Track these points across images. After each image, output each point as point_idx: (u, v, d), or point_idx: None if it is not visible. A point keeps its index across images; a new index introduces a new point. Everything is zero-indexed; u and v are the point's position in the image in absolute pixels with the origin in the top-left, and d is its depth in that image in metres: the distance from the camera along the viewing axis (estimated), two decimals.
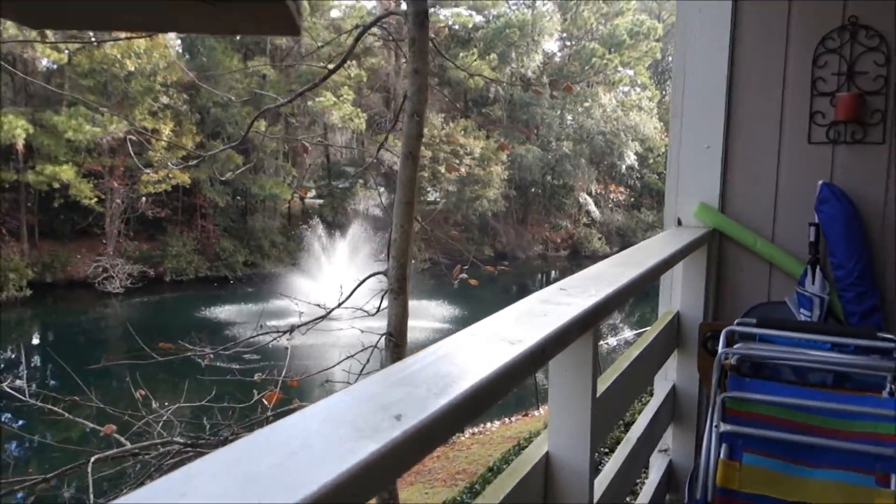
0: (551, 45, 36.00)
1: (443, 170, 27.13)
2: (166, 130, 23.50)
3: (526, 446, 6.22)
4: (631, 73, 37.10)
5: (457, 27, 32.24)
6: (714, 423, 2.02)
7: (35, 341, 20.18)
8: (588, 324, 1.19)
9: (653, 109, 35.61)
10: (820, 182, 2.42)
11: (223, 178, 21.62)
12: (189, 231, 26.08)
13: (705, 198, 2.57)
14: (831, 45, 2.40)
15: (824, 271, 2.42)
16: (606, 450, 5.09)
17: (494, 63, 30.53)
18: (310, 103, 25.62)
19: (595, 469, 1.39)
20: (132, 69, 22.42)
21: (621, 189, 36.40)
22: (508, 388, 0.87)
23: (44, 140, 21.73)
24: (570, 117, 35.11)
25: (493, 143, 29.50)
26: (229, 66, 23.90)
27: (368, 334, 4.07)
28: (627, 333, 18.12)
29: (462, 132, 29.74)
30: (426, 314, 18.88)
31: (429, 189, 30.23)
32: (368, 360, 3.81)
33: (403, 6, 3.85)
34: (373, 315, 4.33)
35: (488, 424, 11.43)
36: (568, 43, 36.99)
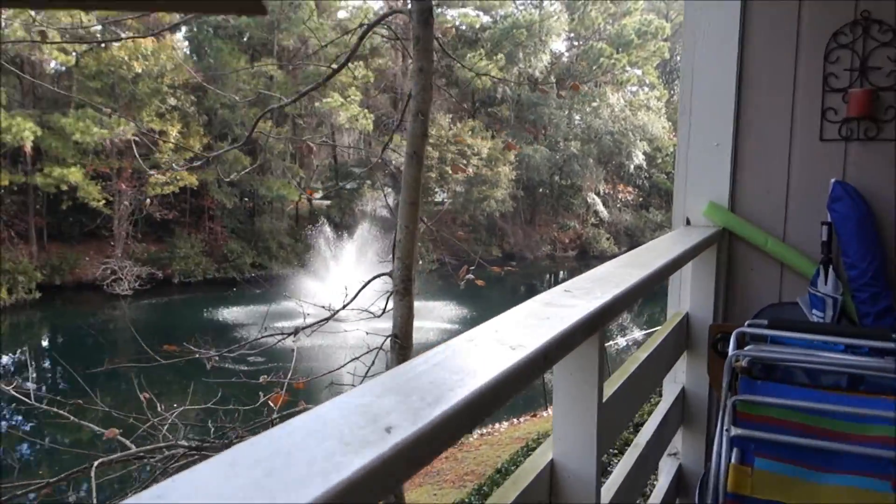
0: (559, 45, 35.97)
1: (449, 170, 27.10)
2: (174, 132, 23.58)
3: (534, 447, 6.18)
4: (639, 72, 36.97)
5: (464, 27, 32.22)
6: (725, 427, 1.97)
7: (44, 343, 20.28)
8: (594, 327, 1.15)
9: (661, 109, 35.48)
10: (832, 180, 2.36)
11: (227, 180, 21.67)
12: (197, 233, 26.15)
13: (715, 197, 2.52)
14: (843, 41, 2.34)
15: (837, 271, 2.36)
16: (615, 451, 5.04)
17: (502, 63, 30.48)
18: (317, 104, 25.65)
19: (602, 475, 1.35)
20: (139, 71, 22.49)
21: (629, 189, 36.26)
22: (508, 396, 0.83)
23: (52, 142, 21.83)
24: (577, 117, 35.02)
25: (501, 144, 29.46)
26: (236, 68, 23.93)
27: (374, 336, 4.04)
28: (636, 334, 18.03)
29: (469, 133, 29.70)
30: (434, 315, 18.86)
31: (436, 190, 30.21)
32: (373, 363, 3.78)
33: (409, 5, 3.81)
34: (378, 316, 4.29)
35: (496, 425, 11.39)
36: (576, 43, 36.90)
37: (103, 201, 23.03)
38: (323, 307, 4.52)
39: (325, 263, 23.25)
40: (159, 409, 4.34)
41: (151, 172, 16.37)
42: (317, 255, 24.35)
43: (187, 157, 21.57)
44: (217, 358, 4.54)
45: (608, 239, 34.45)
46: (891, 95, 2.32)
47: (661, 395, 2.61)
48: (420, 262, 22.24)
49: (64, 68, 23.76)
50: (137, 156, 15.21)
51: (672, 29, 36.04)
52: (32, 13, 19.13)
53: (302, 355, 11.98)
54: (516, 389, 0.84)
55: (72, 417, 3.99)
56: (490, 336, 0.95)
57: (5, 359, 17.13)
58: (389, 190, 23.16)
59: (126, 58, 22.26)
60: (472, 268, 5.69)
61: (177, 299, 23.84)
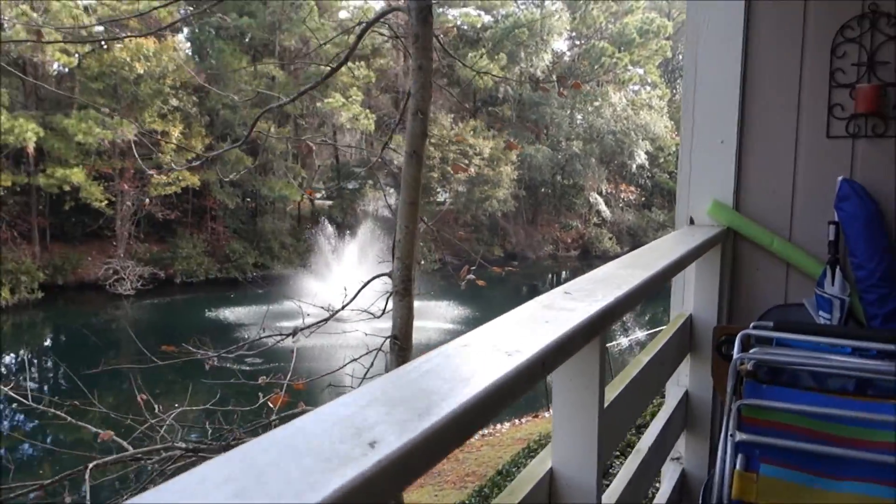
0: (560, 44, 35.92)
1: (450, 170, 27.08)
2: (176, 133, 23.59)
3: (536, 448, 6.13)
4: (641, 71, 36.90)
5: (465, 27, 32.17)
6: (729, 432, 1.92)
7: (47, 343, 20.30)
8: (594, 331, 1.10)
9: (663, 108, 35.42)
10: (839, 178, 2.31)
11: (227, 179, 21.66)
12: (199, 233, 26.16)
13: (719, 195, 2.47)
14: (850, 35, 2.28)
15: (844, 272, 2.31)
16: (617, 452, 4.99)
17: (503, 63, 30.44)
18: (319, 104, 25.64)
19: (603, 483, 1.30)
20: (141, 72, 22.49)
21: (632, 188, 36.20)
22: (503, 406, 0.78)
23: (54, 143, 21.84)
24: (579, 116, 34.97)
25: (502, 143, 29.43)
26: (237, 68, 23.92)
27: (373, 337, 4.00)
28: (638, 333, 17.96)
29: (471, 132, 29.67)
30: (435, 315, 18.82)
31: (438, 189, 30.19)
32: (372, 364, 3.73)
33: (408, 2, 3.77)
34: (378, 317, 4.25)
35: (498, 426, 11.34)
36: (577, 42, 36.84)
37: (106, 202, 23.05)
38: (322, 308, 4.48)
39: (326, 263, 23.24)
40: (157, 410, 4.31)
41: (151, 172, 16.36)
42: (319, 255, 24.35)
43: (189, 157, 21.57)
44: (216, 359, 4.50)
45: (610, 239, 34.40)
46: None
47: (663, 397, 2.57)
48: (422, 262, 22.23)
49: (66, 69, 23.77)
50: (137, 156, 15.21)
51: (674, 27, 35.97)
52: (34, 13, 19.15)
53: (303, 355, 11.97)
54: (512, 398, 0.80)
55: (69, 419, 3.95)
56: (486, 341, 0.91)
57: (7, 359, 17.13)
58: (391, 190, 23.12)
59: (128, 59, 22.27)
60: (474, 268, 5.64)
61: (179, 299, 23.84)
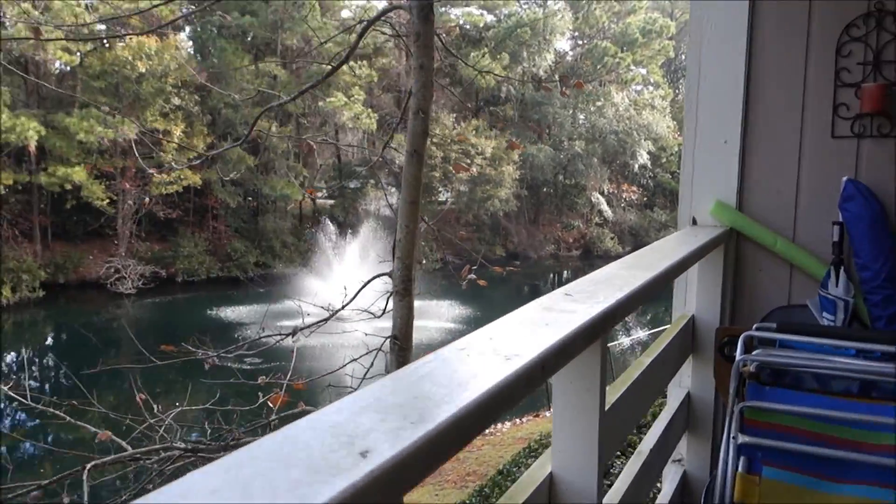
0: (563, 44, 35.87)
1: (451, 169, 27.07)
2: (177, 132, 23.59)
3: (537, 448, 6.08)
4: (643, 71, 36.87)
5: (468, 26, 32.14)
6: (732, 435, 1.90)
7: (48, 342, 20.31)
8: (595, 333, 1.08)
9: (666, 108, 35.39)
10: (844, 178, 2.28)
11: (227, 178, 21.67)
12: (200, 232, 26.16)
13: (722, 195, 2.44)
14: (856, 34, 2.26)
15: (849, 273, 2.28)
16: (618, 452, 4.97)
17: (506, 62, 30.42)
18: (321, 104, 25.63)
19: (604, 486, 1.28)
20: (143, 71, 22.50)
21: (634, 188, 36.17)
22: (502, 411, 0.76)
23: (56, 142, 21.85)
24: (582, 116, 34.94)
25: (504, 143, 29.42)
26: (239, 66, 23.92)
27: (373, 337, 3.98)
28: (640, 333, 17.92)
29: (473, 132, 29.65)
30: (437, 314, 18.82)
31: (440, 189, 30.18)
32: (372, 364, 3.72)
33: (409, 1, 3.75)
34: (379, 317, 4.24)
35: (499, 425, 11.32)
36: (580, 42, 36.80)
37: (107, 200, 23.06)
38: (323, 308, 4.46)
39: (328, 263, 23.24)
40: (156, 410, 4.29)
41: (151, 171, 16.37)
42: (320, 254, 24.35)
43: (190, 156, 21.58)
44: (216, 358, 4.48)
45: (612, 238, 34.38)
46: None
47: (665, 396, 2.55)
48: (423, 262, 22.22)
49: (68, 68, 23.78)
50: (138, 155, 15.21)
51: (677, 27, 35.94)
52: (35, 11, 19.15)
53: (304, 354, 11.98)
54: (510, 403, 0.77)
55: (68, 418, 3.93)
56: (484, 344, 0.88)
57: (8, 358, 17.14)
58: (393, 189, 23.10)
59: (130, 57, 22.27)
60: (475, 267, 5.62)
61: (180, 298, 23.85)
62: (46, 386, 15.09)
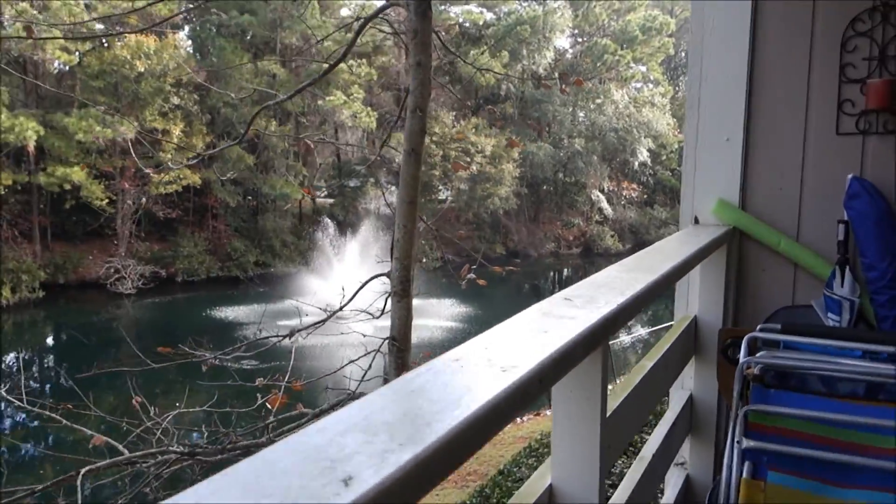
0: (563, 41, 35.84)
1: (450, 167, 27.04)
2: (177, 131, 23.54)
3: (537, 448, 6.03)
4: (643, 69, 36.82)
5: (467, 24, 32.08)
6: (736, 439, 1.86)
7: (48, 342, 20.28)
8: (596, 340, 1.03)
9: (665, 105, 35.35)
10: (849, 176, 2.24)
11: (223, 178, 21.64)
12: (200, 231, 26.12)
13: (724, 194, 2.40)
14: (861, 28, 2.21)
15: (854, 272, 2.24)
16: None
17: (506, 60, 30.38)
18: (320, 102, 25.58)
19: (606, 496, 1.24)
20: (142, 70, 22.44)
21: (634, 186, 36.13)
22: (498, 428, 0.72)
23: (55, 142, 21.80)
24: (581, 114, 34.90)
25: (504, 141, 29.38)
26: (238, 64, 23.86)
27: (372, 338, 3.94)
28: (641, 331, 17.87)
29: (473, 130, 29.60)
30: (437, 313, 18.79)
31: (440, 187, 30.14)
32: (370, 366, 3.68)
33: None
34: (377, 317, 4.20)
35: None
36: (580, 39, 36.76)
37: (106, 200, 23.02)
38: (321, 309, 4.43)
39: (328, 262, 23.22)
40: (155, 411, 4.25)
41: (147, 171, 16.34)
42: (320, 253, 24.33)
43: (189, 156, 21.55)
44: (214, 360, 4.44)
45: (612, 236, 34.36)
46: None
47: (669, 395, 2.50)
48: (423, 260, 22.19)
49: (67, 68, 23.72)
50: (134, 155, 15.17)
51: (677, 24, 35.88)
52: (34, 11, 19.10)
53: (304, 354, 11.92)
54: (506, 420, 0.73)
55: (64, 421, 3.89)
56: (479, 354, 0.84)
57: (7, 358, 17.11)
58: (393, 188, 23.07)
59: (129, 57, 22.22)
60: (474, 267, 5.59)
61: (180, 298, 23.82)
62: (47, 387, 15.07)
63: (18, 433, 11.72)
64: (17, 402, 4.14)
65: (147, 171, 14.74)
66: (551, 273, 31.72)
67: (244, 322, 18.66)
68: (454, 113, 30.40)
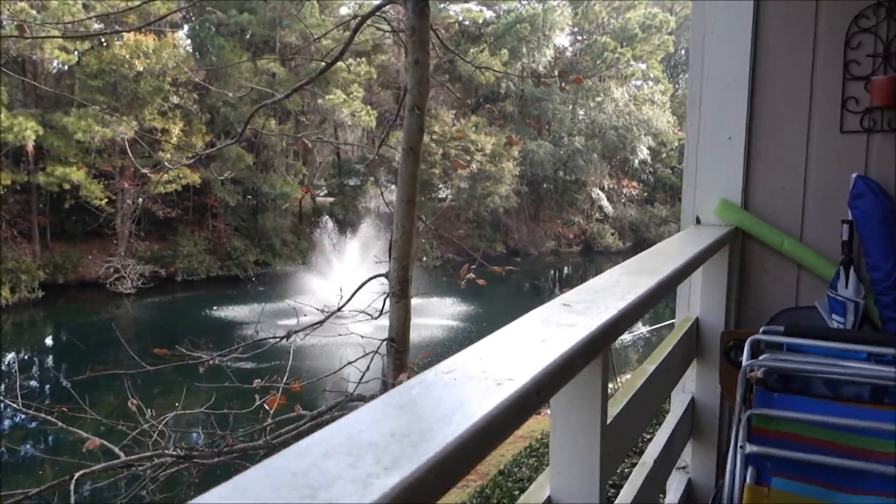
0: (562, 39, 35.78)
1: (450, 165, 27.01)
2: (176, 130, 23.49)
3: (538, 447, 5.99)
4: (643, 66, 36.75)
5: (467, 23, 32.02)
6: (739, 444, 1.83)
7: (47, 342, 20.25)
8: (596, 349, 1.00)
9: (665, 103, 35.29)
10: (854, 175, 2.20)
11: (220, 178, 21.61)
12: (200, 231, 26.09)
13: (726, 194, 2.36)
14: (865, 24, 2.17)
15: (859, 273, 2.20)
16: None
17: (505, 58, 30.32)
18: (320, 101, 25.54)
19: (608, 487, 1.20)
20: (141, 69, 22.39)
21: (634, 184, 36.09)
22: (493, 446, 0.68)
23: (53, 141, 21.76)
24: (581, 112, 34.86)
25: (504, 139, 29.34)
26: (237, 62, 23.82)
27: (370, 339, 3.91)
28: (642, 329, 17.83)
29: (473, 128, 29.56)
30: (437, 312, 18.75)
31: (440, 186, 30.10)
32: (368, 368, 3.64)
33: None
34: (376, 318, 4.17)
35: None
36: (579, 37, 36.70)
37: (106, 200, 22.98)
38: (319, 310, 4.39)
39: (328, 261, 23.18)
40: (152, 413, 4.22)
41: (144, 171, 16.31)
42: (320, 252, 24.29)
43: (188, 155, 21.52)
44: (211, 362, 4.41)
45: (613, 234, 34.34)
46: None
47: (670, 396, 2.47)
48: (424, 259, 22.16)
49: (66, 67, 23.67)
50: (131, 155, 15.13)
51: (677, 22, 35.81)
52: (32, 11, 19.06)
53: (304, 353, 11.88)
54: (501, 436, 0.69)
55: (60, 424, 3.86)
56: (473, 366, 0.80)
57: (7, 358, 17.08)
58: (393, 187, 23.03)
59: (127, 56, 22.17)
60: (474, 267, 5.55)
61: (180, 297, 23.78)
62: (46, 387, 15.04)
63: (18, 433, 11.70)
64: (14, 405, 4.10)
65: (143, 171, 14.69)
66: (552, 271, 31.70)
67: (244, 321, 18.64)
68: (454, 111, 30.35)
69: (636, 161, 34.33)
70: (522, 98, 33.32)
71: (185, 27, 27.20)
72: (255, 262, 26.02)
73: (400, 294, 3.57)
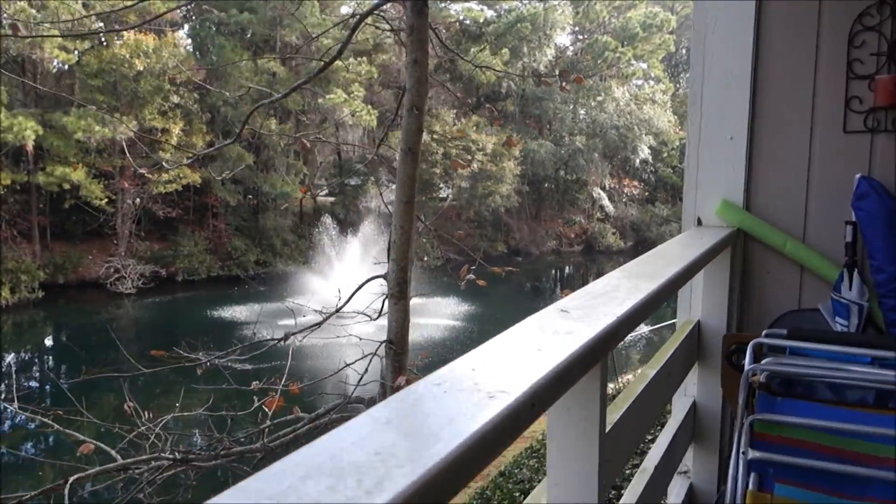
0: (563, 38, 35.73)
1: (450, 165, 26.98)
2: (176, 130, 23.47)
3: (538, 448, 5.95)
4: (644, 66, 36.68)
5: (468, 22, 31.98)
6: (741, 450, 1.80)
7: (48, 343, 20.22)
8: (595, 357, 0.96)
9: (666, 102, 35.26)
10: (857, 175, 2.16)
11: (219, 178, 21.58)
12: (201, 230, 26.07)
13: (728, 194, 2.32)
14: (869, 23, 2.14)
15: (863, 275, 2.17)
16: None
17: (506, 57, 30.27)
18: (320, 101, 25.50)
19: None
20: (141, 68, 22.36)
21: (635, 183, 36.06)
22: (485, 463, 0.65)
23: (53, 141, 21.74)
24: (582, 111, 34.82)
25: (505, 138, 29.31)
26: (237, 61, 23.78)
27: (369, 340, 3.87)
28: (642, 329, 17.79)
29: (474, 128, 29.53)
30: (438, 312, 18.72)
31: (441, 185, 30.07)
32: (366, 370, 3.61)
33: None
34: (375, 319, 4.14)
35: None
36: (580, 37, 36.65)
37: (106, 200, 22.95)
38: (318, 311, 4.36)
39: (328, 260, 23.15)
40: (150, 415, 4.19)
41: (142, 171, 16.29)
42: (321, 252, 24.26)
43: (189, 155, 21.50)
44: (208, 364, 4.38)
45: (614, 233, 34.31)
46: None
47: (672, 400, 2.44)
48: (424, 259, 22.12)
49: (66, 67, 23.64)
50: (129, 155, 15.11)
51: (678, 21, 35.75)
52: (32, 10, 19.04)
53: (304, 353, 11.86)
54: (493, 453, 0.66)
55: (56, 426, 3.83)
56: (465, 377, 0.77)
57: (7, 359, 17.06)
58: (393, 186, 22.98)
59: (127, 55, 22.14)
60: (474, 267, 5.52)
61: (181, 297, 23.76)
62: (46, 388, 15.01)
63: (18, 434, 11.67)
64: (11, 407, 4.08)
65: (141, 171, 14.66)
66: (553, 271, 31.66)
67: (245, 321, 18.62)
68: (455, 111, 30.32)
69: (637, 160, 34.30)
70: (523, 97, 33.29)
71: (186, 26, 27.18)
72: (256, 261, 26.00)
73: (398, 295, 3.54)
